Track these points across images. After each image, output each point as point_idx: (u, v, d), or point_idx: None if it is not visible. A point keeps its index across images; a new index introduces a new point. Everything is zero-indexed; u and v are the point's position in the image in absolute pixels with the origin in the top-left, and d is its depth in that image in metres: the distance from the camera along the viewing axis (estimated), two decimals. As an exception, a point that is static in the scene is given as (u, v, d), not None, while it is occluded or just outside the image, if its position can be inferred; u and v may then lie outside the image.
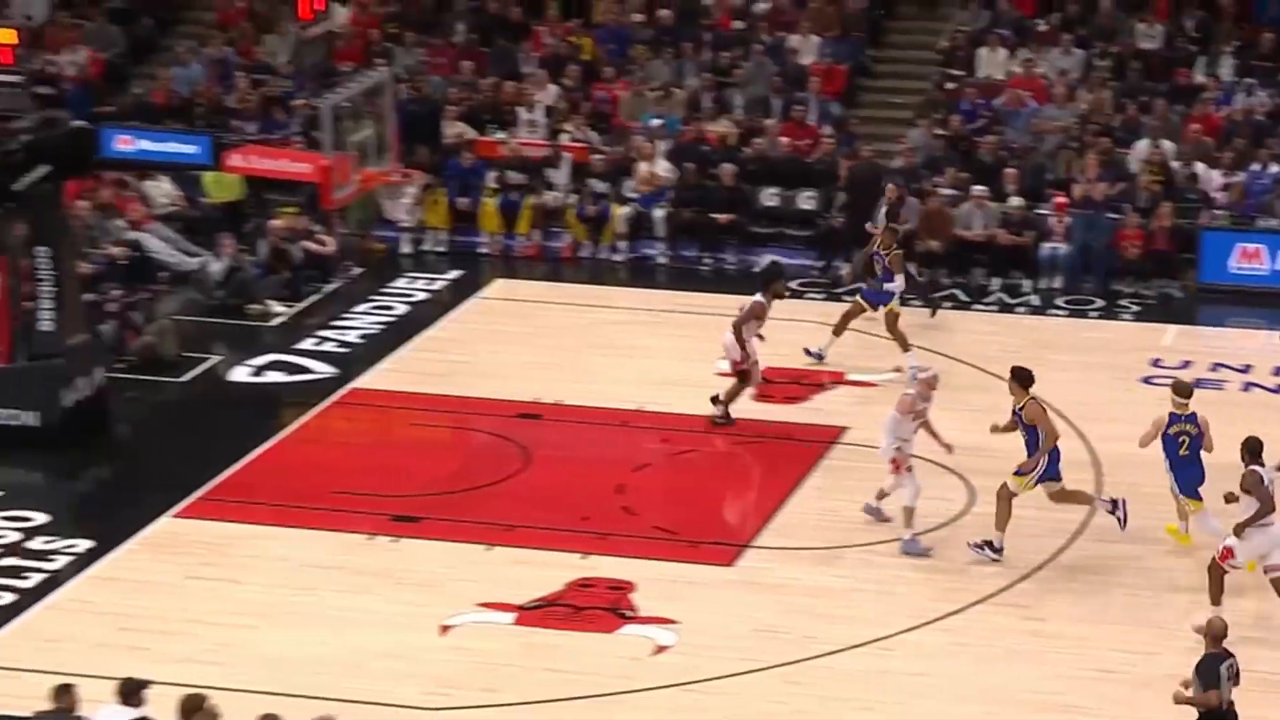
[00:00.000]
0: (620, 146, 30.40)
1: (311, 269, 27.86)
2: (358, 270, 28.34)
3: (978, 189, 28.88)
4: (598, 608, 19.30)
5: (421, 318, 27.03)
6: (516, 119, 31.15)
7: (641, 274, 27.91)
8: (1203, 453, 20.13)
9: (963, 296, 28.18)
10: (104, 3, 34.86)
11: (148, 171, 28.72)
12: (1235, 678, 15.83)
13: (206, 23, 34.56)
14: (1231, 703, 15.83)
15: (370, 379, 24.65)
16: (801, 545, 20.63)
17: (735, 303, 26.83)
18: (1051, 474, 20.22)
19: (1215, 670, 15.68)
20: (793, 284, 27.39)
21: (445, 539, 20.66)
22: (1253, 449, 18.98)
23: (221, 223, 28.85)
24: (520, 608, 18.96)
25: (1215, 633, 15.91)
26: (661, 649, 18.65)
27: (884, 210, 27.39)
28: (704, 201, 29.39)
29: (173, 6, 35.83)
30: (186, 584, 19.68)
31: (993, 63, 32.02)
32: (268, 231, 28.04)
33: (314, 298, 27.49)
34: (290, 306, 27.25)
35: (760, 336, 23.29)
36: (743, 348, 23.03)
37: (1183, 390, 20.50)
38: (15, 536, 20.64)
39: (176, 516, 21.04)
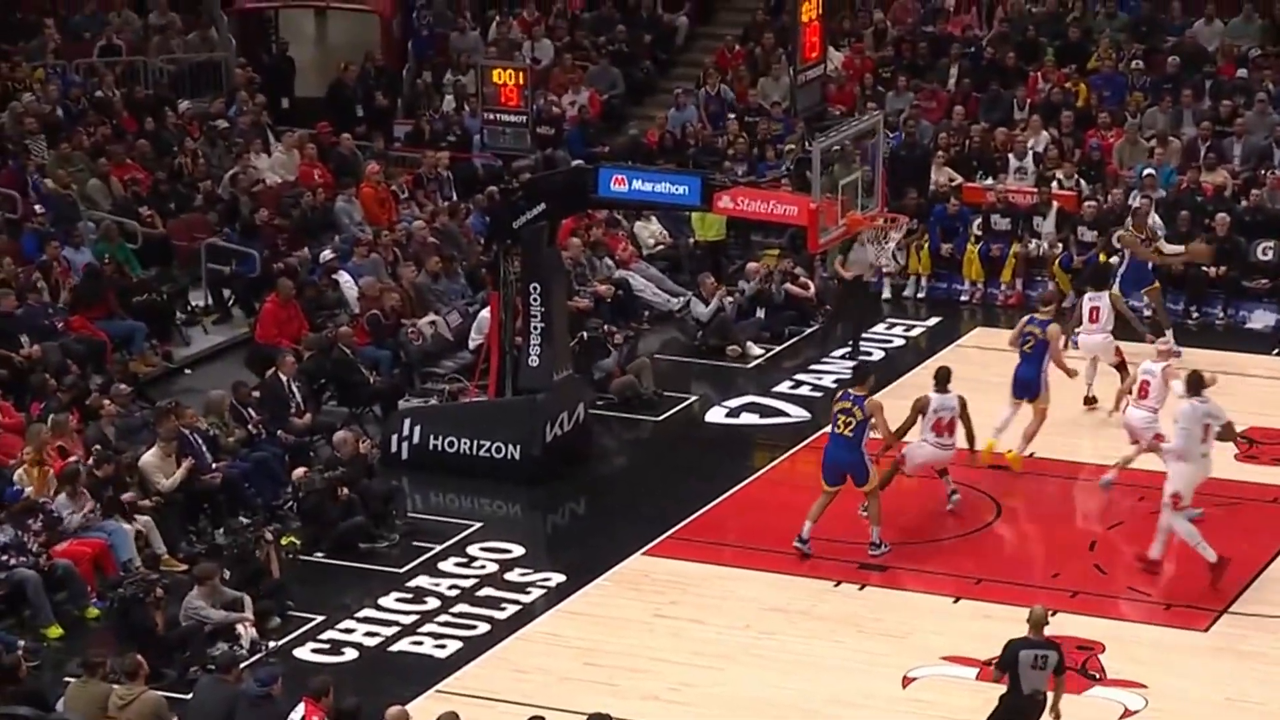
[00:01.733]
0: (1111, 196, 29.77)
1: (791, 311, 27.90)
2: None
3: None
4: (1065, 667, 18.89)
5: (899, 364, 26.87)
6: (1006, 165, 30.80)
7: (1124, 327, 27.24)
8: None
9: None
10: (607, 46, 35.60)
11: (638, 211, 29.24)
12: (1046, 667, 16.18)
13: (703, 65, 35.02)
14: (1039, 693, 16.35)
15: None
16: (1281, 613, 19.94)
17: (1221, 360, 26.26)
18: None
19: (1015, 655, 16.32)
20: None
21: (912, 589, 20.50)
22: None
23: (704, 262, 29.14)
24: (986, 663, 18.64)
25: (1033, 620, 16.56)
26: (1129, 713, 18.25)
27: None
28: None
29: (671, 49, 36.45)
30: (653, 621, 19.89)
31: None
32: (750, 274, 28.21)
33: (792, 340, 27.49)
34: (768, 349, 27.34)
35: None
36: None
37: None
38: (493, 568, 21.13)
39: (647, 554, 21.29)
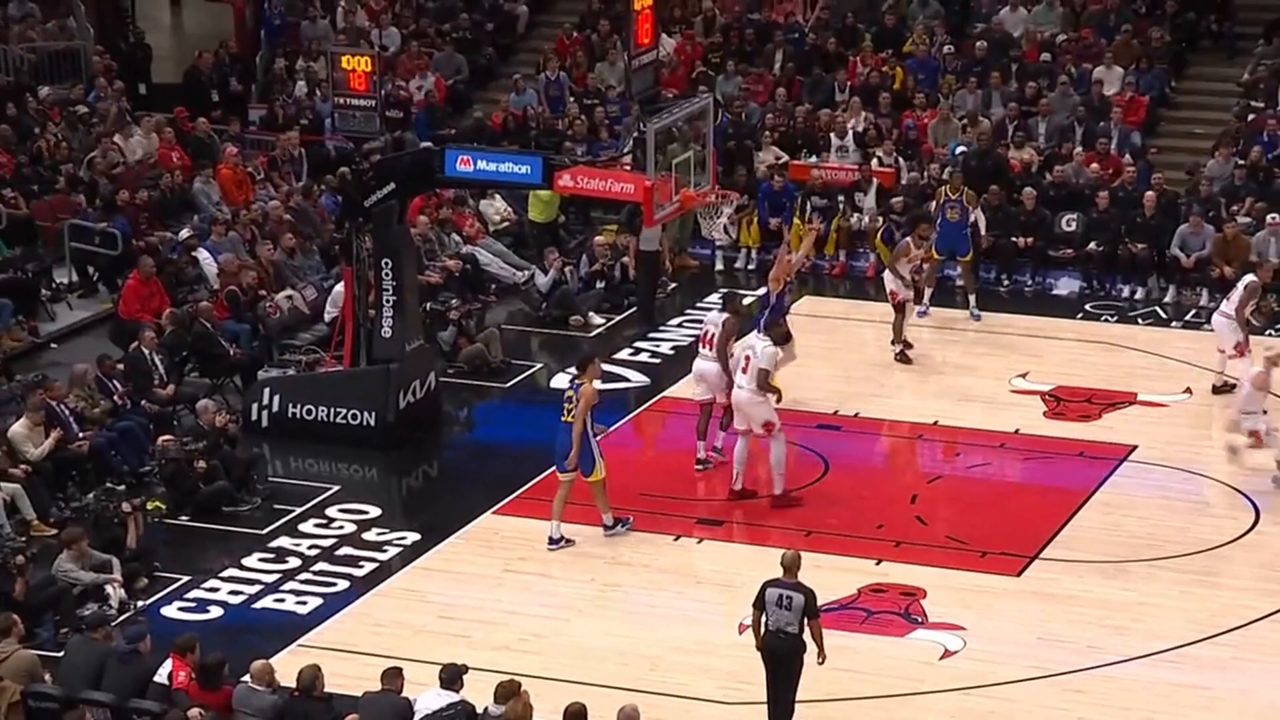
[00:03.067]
0: (926, 172, 30.04)
1: (629, 283, 27.93)
2: (672, 285, 28.31)
3: (1274, 217, 27.99)
4: (890, 612, 19.14)
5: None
6: (828, 144, 30.97)
7: (942, 294, 27.52)
8: None
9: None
10: (451, 33, 35.40)
11: (483, 189, 29.12)
12: (791, 607, 16.28)
13: (543, 51, 34.92)
14: (784, 631, 16.35)
15: (680, 388, 24.63)
16: (1088, 558, 20.19)
17: (1032, 324, 26.61)
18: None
19: (763, 594, 16.54)
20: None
21: (746, 542, 20.61)
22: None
23: (545, 238, 29.10)
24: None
25: (784, 562, 16.68)
26: (949, 654, 18.45)
27: None
28: (1005, 225, 28.89)
29: (513, 37, 36.31)
30: (504, 576, 19.88)
31: (1294, 95, 31.09)
32: (592, 248, 28.21)
33: (631, 310, 27.51)
34: (609, 318, 27.35)
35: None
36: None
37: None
38: (351, 528, 21.03)
39: (496, 513, 21.26)
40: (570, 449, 20.17)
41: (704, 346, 22.15)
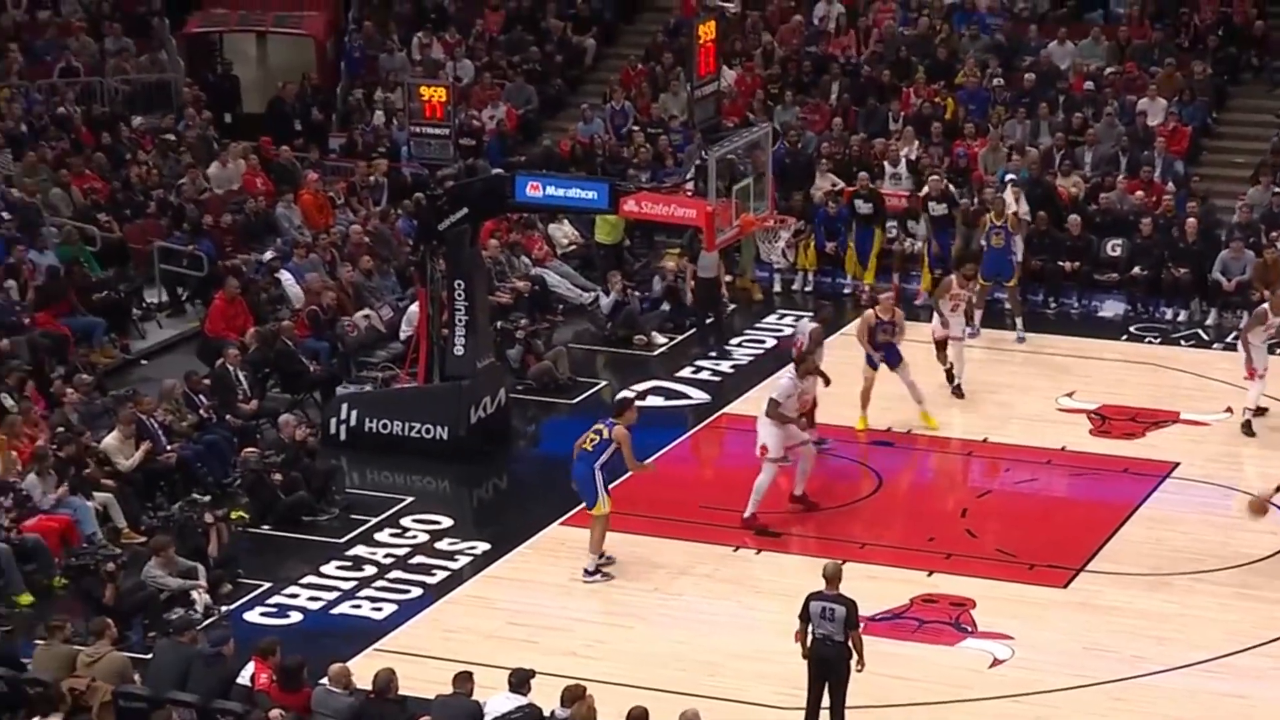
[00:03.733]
0: (977, 199, 29.91)
1: (693, 305, 27.84)
2: (731, 307, 28.21)
3: (1312, 243, 27.80)
4: (941, 622, 19.05)
5: (789, 351, 26.86)
6: (882, 172, 30.89)
7: (990, 316, 27.40)
8: None
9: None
10: (522, 65, 35.47)
11: (552, 214, 29.15)
12: (834, 619, 16.18)
13: (609, 82, 34.96)
14: (831, 640, 16.29)
15: (740, 405, 24.61)
16: (1132, 571, 20.06)
17: (1078, 345, 26.47)
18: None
19: (807, 606, 16.44)
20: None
21: (803, 554, 20.55)
22: None
23: (611, 260, 29.10)
24: (869, 619, 18.63)
25: (826, 574, 16.58)
26: (998, 662, 18.37)
27: None
28: (1052, 250, 28.77)
29: (580, 68, 36.37)
30: (570, 585, 19.88)
31: (1333, 126, 30.87)
32: (662, 271, 28.11)
33: (693, 330, 27.45)
34: (672, 338, 27.32)
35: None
36: None
37: None
38: (424, 537, 21.06)
39: (564, 524, 21.24)
40: (582, 480, 19.81)
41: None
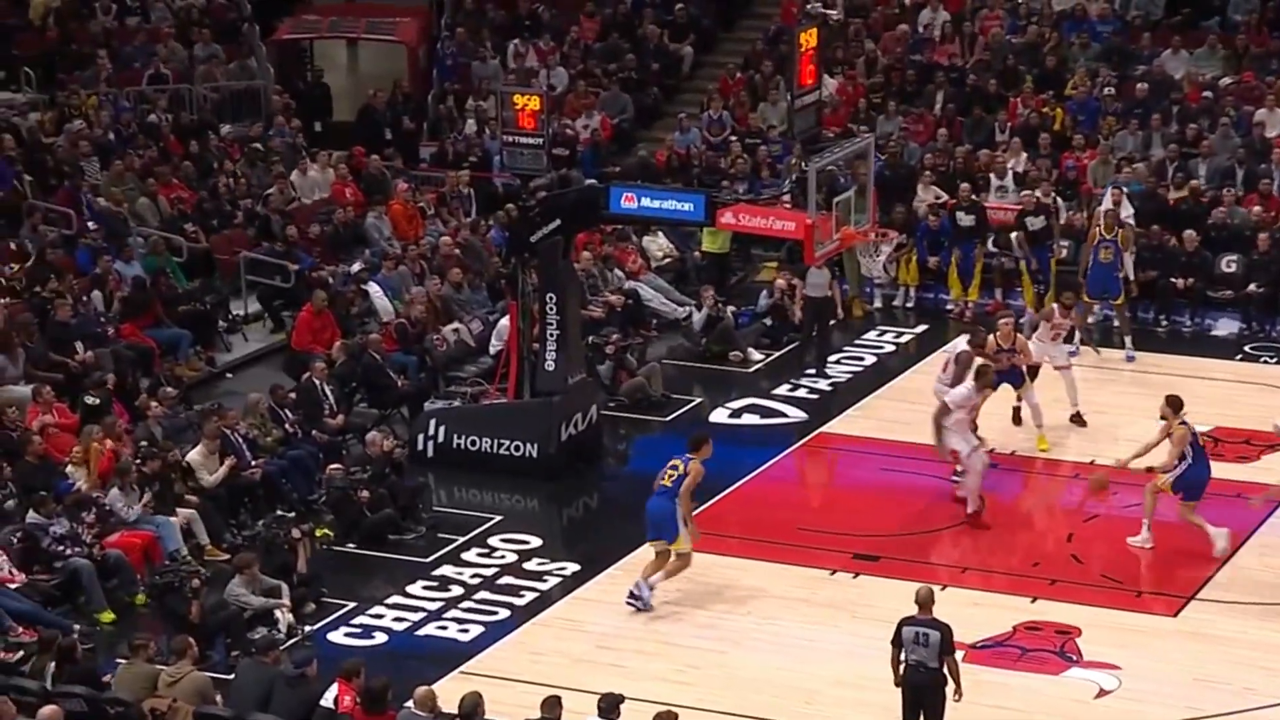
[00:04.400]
0: (1085, 211, 29.68)
1: (793, 321, 27.77)
2: (833, 322, 28.05)
3: None
4: (1045, 650, 18.88)
5: (889, 368, 26.83)
6: (988, 184, 30.70)
7: (1101, 333, 27.17)
8: None
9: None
10: (617, 73, 35.53)
11: (647, 226, 29.15)
12: (928, 644, 16.08)
13: (707, 91, 34.95)
14: (924, 666, 16.26)
15: (838, 424, 24.51)
16: (1245, 600, 19.81)
17: (1190, 365, 26.19)
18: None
19: (899, 632, 16.44)
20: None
21: (903, 578, 20.39)
22: None
23: (710, 273, 29.04)
24: (971, 646, 18.58)
25: (919, 599, 16.55)
26: (1104, 693, 18.19)
27: None
28: (1165, 266, 28.51)
29: (677, 76, 36.39)
30: (662, 608, 19.80)
31: None
32: (770, 287, 27.97)
33: (791, 347, 27.38)
34: (768, 354, 27.25)
35: None
36: None
37: None
38: (512, 558, 21.07)
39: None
40: (661, 515, 19.72)
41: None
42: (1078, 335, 26.44)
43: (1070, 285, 26.85)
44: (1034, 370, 24.27)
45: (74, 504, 20.17)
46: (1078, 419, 24.38)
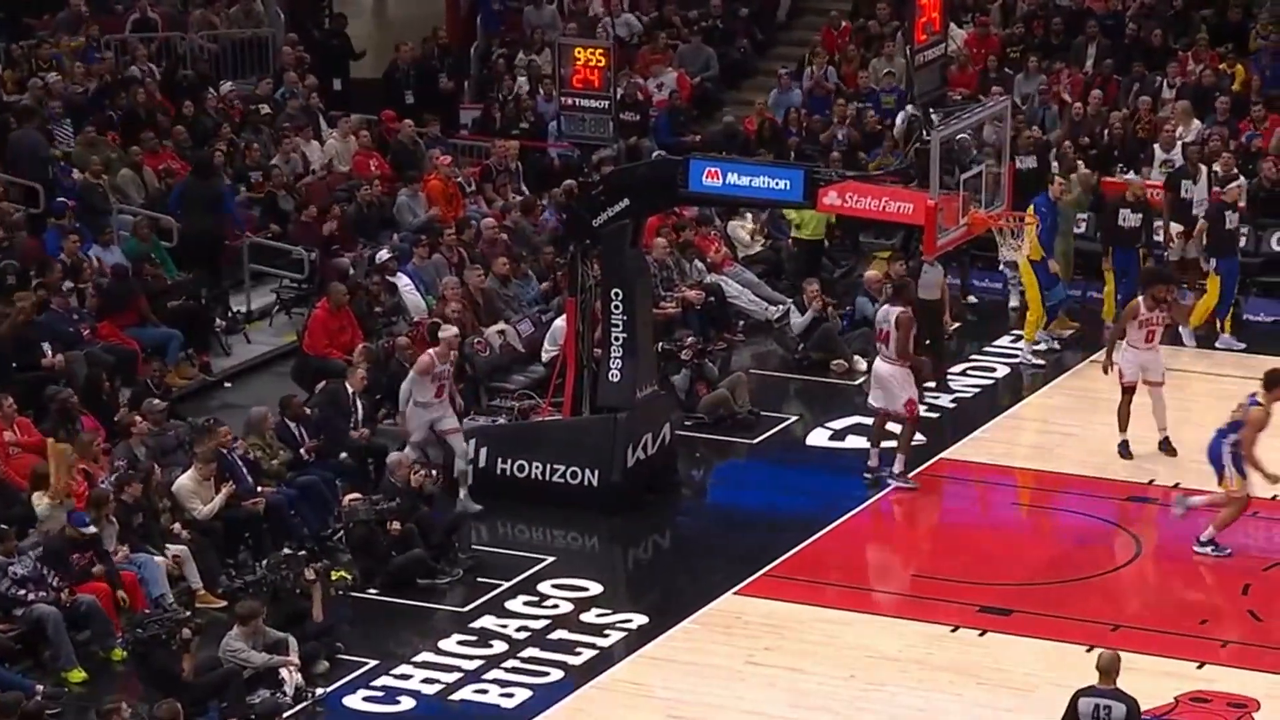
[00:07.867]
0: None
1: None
2: (954, 326, 27.97)
3: None
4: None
5: (1026, 381, 26.83)
6: (1151, 158, 30.63)
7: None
8: None
9: None
10: (699, 22, 35.64)
11: (733, 208, 29.21)
12: (1110, 718, 16.24)
13: (809, 44, 35.03)
14: None
15: (962, 449, 24.55)
16: None
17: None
18: None
19: (1075, 705, 16.55)
20: None
21: (1039, 636, 20.43)
22: None
23: (810, 260, 29.03)
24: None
25: (1101, 665, 16.76)
26: (1286, 779, 18.17)
27: None
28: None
29: (772, 27, 36.47)
30: (746, 670, 19.89)
31: None
32: (869, 284, 27.94)
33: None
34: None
35: None
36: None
37: None
38: (567, 608, 21.15)
39: (739, 594, 21.26)
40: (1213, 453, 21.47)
41: None
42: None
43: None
44: (1129, 390, 24.09)
45: (64, 544, 20.14)
46: (1167, 447, 24.29)
